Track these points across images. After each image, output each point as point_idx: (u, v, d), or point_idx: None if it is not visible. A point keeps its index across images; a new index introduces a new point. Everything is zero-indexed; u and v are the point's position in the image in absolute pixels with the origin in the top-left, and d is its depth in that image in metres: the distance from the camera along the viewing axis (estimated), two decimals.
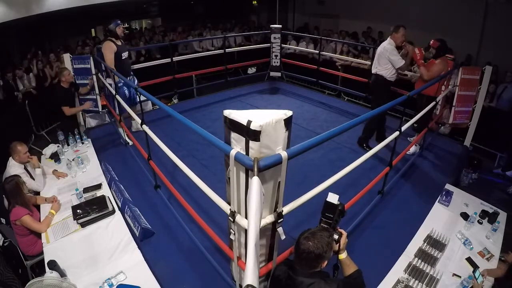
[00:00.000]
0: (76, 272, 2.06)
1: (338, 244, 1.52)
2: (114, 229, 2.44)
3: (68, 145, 3.70)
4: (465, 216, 2.66)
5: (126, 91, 3.89)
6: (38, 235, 2.44)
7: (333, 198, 1.55)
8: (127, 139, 3.99)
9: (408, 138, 4.08)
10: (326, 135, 1.74)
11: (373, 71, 3.86)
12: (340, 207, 1.55)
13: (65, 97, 3.88)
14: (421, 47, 3.75)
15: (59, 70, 3.90)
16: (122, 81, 3.73)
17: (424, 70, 3.55)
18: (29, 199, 2.61)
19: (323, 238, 1.37)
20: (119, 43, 3.90)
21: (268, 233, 1.64)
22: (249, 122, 1.33)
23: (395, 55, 3.56)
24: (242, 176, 1.47)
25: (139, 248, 2.28)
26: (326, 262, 1.40)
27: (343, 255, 1.54)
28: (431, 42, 3.62)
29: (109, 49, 3.80)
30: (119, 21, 3.86)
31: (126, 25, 10.71)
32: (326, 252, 1.37)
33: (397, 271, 2.15)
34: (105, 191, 2.90)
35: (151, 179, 3.19)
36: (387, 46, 3.59)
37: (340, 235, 1.53)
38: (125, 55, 3.96)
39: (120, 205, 2.83)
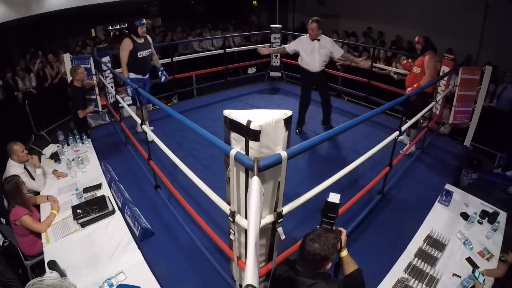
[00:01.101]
0: (76, 272, 2.06)
1: (339, 243, 1.52)
2: (114, 229, 2.44)
3: (68, 145, 3.70)
4: (465, 216, 2.66)
5: (129, 91, 3.88)
6: (38, 235, 2.44)
7: (334, 197, 1.54)
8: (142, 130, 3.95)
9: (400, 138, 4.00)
10: (326, 135, 1.74)
11: None
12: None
13: (81, 98, 3.88)
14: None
15: (72, 69, 3.87)
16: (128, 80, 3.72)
17: (425, 80, 3.51)
18: (29, 199, 2.61)
19: (328, 240, 1.36)
20: (139, 41, 3.90)
21: (268, 233, 1.64)
22: (249, 122, 1.33)
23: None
24: (242, 176, 1.47)
25: (139, 248, 2.28)
26: (330, 264, 1.40)
27: (344, 253, 1.54)
28: (416, 38, 3.67)
29: (124, 47, 3.84)
30: (143, 21, 3.88)
31: (126, 25, 10.73)
32: (332, 254, 1.37)
33: (397, 271, 2.15)
34: (105, 191, 2.89)
35: (151, 179, 3.19)
36: None
37: (340, 233, 1.53)
38: (143, 53, 3.94)
39: (120, 205, 2.83)
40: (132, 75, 3.95)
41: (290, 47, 4.23)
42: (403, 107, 3.03)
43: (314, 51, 3.92)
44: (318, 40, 3.87)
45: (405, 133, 3.88)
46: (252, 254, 1.07)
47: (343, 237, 1.53)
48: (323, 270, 1.39)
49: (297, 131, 4.45)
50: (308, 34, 3.92)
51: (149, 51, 4.03)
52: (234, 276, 1.94)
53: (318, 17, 3.94)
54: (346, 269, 1.53)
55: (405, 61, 3.92)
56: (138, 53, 3.91)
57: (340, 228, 1.55)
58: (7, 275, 2.19)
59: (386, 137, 2.68)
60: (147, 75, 4.14)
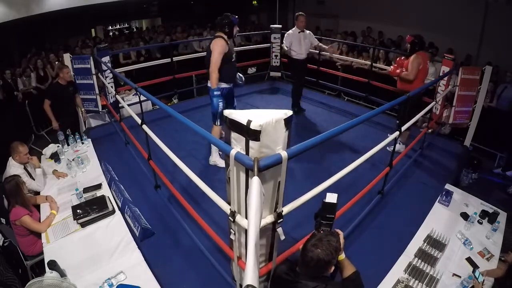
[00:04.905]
0: (76, 272, 2.06)
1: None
2: (114, 229, 2.44)
3: (68, 145, 3.70)
4: (465, 216, 2.66)
5: (221, 104, 3.30)
6: (38, 235, 2.44)
7: (331, 197, 1.51)
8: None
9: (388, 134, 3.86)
10: (326, 135, 1.74)
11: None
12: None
13: (56, 92, 3.80)
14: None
15: (59, 65, 3.83)
16: (218, 91, 3.24)
17: (405, 74, 3.53)
18: (29, 199, 2.61)
19: (330, 243, 1.35)
20: (230, 42, 3.36)
21: (268, 233, 1.64)
22: (249, 121, 1.33)
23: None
24: (242, 176, 1.47)
25: (139, 248, 2.28)
26: (333, 268, 1.39)
27: (342, 256, 1.52)
28: (407, 37, 3.64)
29: (221, 48, 3.17)
30: (237, 18, 3.39)
31: (126, 25, 10.73)
32: (334, 258, 1.36)
33: (397, 271, 2.15)
34: (105, 191, 2.90)
35: (151, 179, 3.19)
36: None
37: (337, 235, 1.52)
38: (234, 56, 3.41)
39: (120, 205, 2.83)
40: (223, 85, 3.32)
41: (285, 44, 4.63)
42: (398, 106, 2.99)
43: (301, 41, 4.53)
44: (303, 31, 4.54)
45: (400, 143, 3.81)
46: (252, 254, 1.07)
47: (341, 240, 1.52)
48: (326, 274, 1.38)
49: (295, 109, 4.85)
50: (295, 27, 4.54)
51: (235, 54, 3.49)
52: (234, 276, 1.94)
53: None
54: (344, 272, 1.52)
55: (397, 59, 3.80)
56: (233, 56, 3.36)
57: (338, 230, 1.54)
58: (7, 275, 2.19)
59: (386, 137, 2.68)
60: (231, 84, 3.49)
